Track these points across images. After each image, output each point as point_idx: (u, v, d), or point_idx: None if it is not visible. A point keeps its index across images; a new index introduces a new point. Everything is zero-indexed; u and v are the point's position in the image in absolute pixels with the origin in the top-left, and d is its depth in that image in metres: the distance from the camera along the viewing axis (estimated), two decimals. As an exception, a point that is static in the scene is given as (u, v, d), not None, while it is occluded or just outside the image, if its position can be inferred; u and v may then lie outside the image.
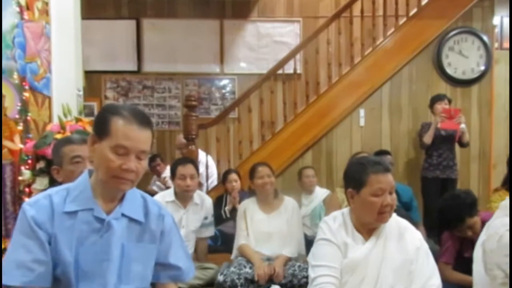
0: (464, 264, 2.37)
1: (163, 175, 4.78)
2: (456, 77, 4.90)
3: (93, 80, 5.54)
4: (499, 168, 4.71)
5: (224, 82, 5.78)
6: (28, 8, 3.02)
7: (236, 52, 5.72)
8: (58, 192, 1.36)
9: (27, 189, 2.81)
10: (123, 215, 1.39)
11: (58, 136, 2.81)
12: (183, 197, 3.10)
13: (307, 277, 1.88)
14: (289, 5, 5.70)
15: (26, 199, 2.49)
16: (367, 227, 1.81)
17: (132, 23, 5.68)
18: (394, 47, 4.83)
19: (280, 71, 4.85)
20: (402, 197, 3.57)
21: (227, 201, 4.05)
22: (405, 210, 3.59)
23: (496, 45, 5.29)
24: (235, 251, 3.12)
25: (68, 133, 2.88)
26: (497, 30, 5.42)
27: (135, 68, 5.72)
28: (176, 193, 3.12)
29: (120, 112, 1.32)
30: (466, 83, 4.92)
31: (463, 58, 4.91)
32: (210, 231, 3.28)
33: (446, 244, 2.64)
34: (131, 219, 1.41)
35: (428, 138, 4.23)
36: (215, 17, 5.69)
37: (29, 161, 2.85)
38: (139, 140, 1.32)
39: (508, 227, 1.68)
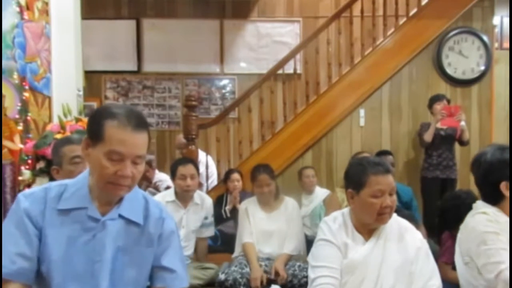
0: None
1: (154, 180, 4.75)
2: (456, 77, 4.89)
3: (93, 80, 5.54)
4: (499, 168, 4.68)
5: (224, 82, 5.78)
6: (28, 8, 3.02)
7: (236, 52, 5.72)
8: (56, 186, 1.34)
9: (27, 189, 2.80)
10: (120, 216, 1.34)
11: (58, 136, 2.81)
12: (183, 197, 3.10)
13: (307, 277, 1.87)
14: (289, 5, 5.70)
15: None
16: (367, 227, 1.80)
17: (132, 23, 5.68)
18: (394, 47, 4.83)
19: (280, 71, 4.85)
20: (402, 197, 3.57)
21: (228, 201, 4.06)
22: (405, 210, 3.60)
23: (496, 45, 5.30)
24: (238, 248, 3.14)
25: (68, 133, 2.88)
26: (497, 30, 5.43)
27: (135, 68, 5.72)
28: (176, 193, 3.12)
29: (114, 115, 1.25)
30: (466, 83, 4.91)
31: (463, 58, 4.90)
32: (210, 231, 3.29)
33: (446, 244, 2.64)
34: (129, 221, 1.35)
35: (428, 136, 4.22)
36: (215, 17, 5.68)
37: (29, 161, 2.86)
38: (134, 145, 1.26)
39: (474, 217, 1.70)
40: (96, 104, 5.53)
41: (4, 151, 2.72)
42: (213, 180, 4.75)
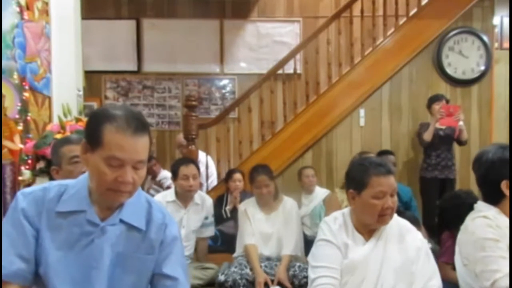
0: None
1: (158, 177, 4.76)
2: (456, 77, 4.89)
3: (93, 80, 5.54)
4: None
5: (224, 82, 5.77)
6: (28, 8, 3.01)
7: (236, 52, 5.72)
8: (56, 186, 1.30)
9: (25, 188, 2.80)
10: (121, 221, 1.30)
11: (58, 136, 2.81)
12: (184, 197, 3.11)
13: (307, 277, 1.88)
14: (289, 5, 5.69)
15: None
16: (368, 228, 1.80)
17: (132, 23, 5.67)
18: (394, 47, 4.82)
19: (280, 71, 4.84)
20: (402, 197, 3.58)
21: (228, 201, 4.05)
22: (404, 210, 3.60)
23: (496, 45, 5.29)
24: (239, 250, 3.13)
25: (68, 133, 2.88)
26: (497, 30, 5.42)
27: (135, 68, 5.71)
28: (177, 193, 3.12)
29: (112, 119, 1.19)
30: (466, 83, 4.91)
31: (463, 58, 4.90)
32: (211, 231, 3.29)
33: (446, 244, 2.64)
34: (130, 226, 1.31)
35: (428, 135, 4.22)
36: (215, 17, 5.68)
37: (29, 161, 2.85)
38: (135, 150, 1.20)
39: (474, 220, 1.69)
40: (96, 104, 5.53)
41: (4, 151, 2.72)
42: (213, 180, 4.75)
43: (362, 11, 4.87)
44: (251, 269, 2.89)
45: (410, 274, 1.73)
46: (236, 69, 5.74)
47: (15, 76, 2.84)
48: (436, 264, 1.82)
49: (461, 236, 1.75)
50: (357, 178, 1.79)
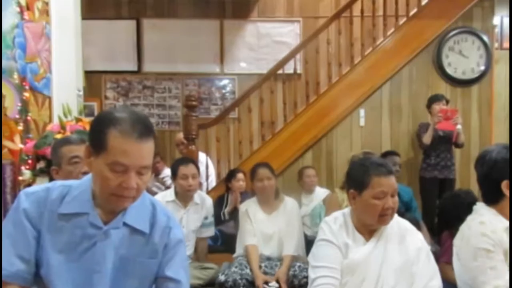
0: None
1: (162, 175, 4.77)
2: (456, 77, 4.88)
3: (93, 80, 5.53)
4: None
5: (224, 82, 5.77)
6: (28, 8, 3.02)
7: (236, 52, 5.72)
8: (59, 187, 1.28)
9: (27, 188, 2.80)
10: (125, 224, 1.28)
11: (58, 136, 2.80)
12: (183, 197, 3.10)
13: (307, 277, 1.88)
14: (289, 5, 5.69)
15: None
16: (368, 228, 1.80)
17: (132, 23, 5.67)
18: (394, 47, 4.83)
19: (280, 71, 4.84)
20: (402, 197, 3.56)
21: (228, 201, 4.05)
22: (405, 210, 3.60)
23: (496, 45, 5.29)
24: (239, 250, 3.13)
25: (68, 133, 2.87)
26: (497, 30, 5.42)
27: (135, 68, 5.71)
28: (176, 193, 3.12)
29: (117, 123, 1.16)
30: (466, 83, 4.90)
31: (463, 58, 4.89)
32: (210, 231, 3.29)
33: (446, 244, 2.64)
34: (134, 229, 1.29)
35: (427, 138, 4.23)
36: (215, 17, 5.68)
37: (29, 161, 2.85)
38: (139, 156, 1.18)
39: (472, 227, 1.68)
40: (96, 104, 5.54)
41: (4, 151, 2.72)
42: (212, 180, 4.75)
43: (362, 11, 4.87)
44: (251, 269, 2.89)
45: (411, 274, 1.73)
46: (236, 69, 5.74)
47: (15, 76, 2.84)
48: (437, 264, 1.82)
49: (457, 242, 1.75)
50: (357, 178, 1.79)
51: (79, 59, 3.83)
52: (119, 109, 1.24)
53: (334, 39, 4.96)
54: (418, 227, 2.04)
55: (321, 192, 4.09)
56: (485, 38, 4.89)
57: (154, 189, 4.73)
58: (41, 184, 1.37)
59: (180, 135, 4.66)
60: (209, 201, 3.27)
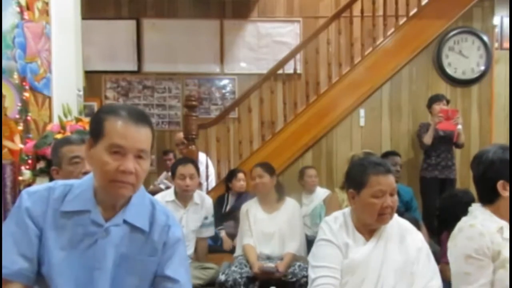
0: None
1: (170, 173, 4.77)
2: (456, 77, 4.87)
3: (93, 80, 5.53)
4: (499, 168, 4.68)
5: (224, 82, 5.77)
6: (28, 8, 3.01)
7: (236, 52, 5.72)
8: (61, 186, 1.29)
9: (32, 186, 2.79)
10: (125, 222, 1.29)
11: (58, 136, 2.81)
12: (183, 196, 3.11)
13: (307, 277, 1.88)
14: (289, 5, 5.69)
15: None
16: (368, 227, 1.80)
17: (132, 23, 5.67)
18: (394, 47, 4.82)
19: (280, 71, 4.83)
20: (402, 197, 3.57)
21: (229, 201, 4.05)
22: (405, 210, 3.60)
23: (496, 45, 5.28)
24: (239, 250, 3.15)
25: (68, 133, 2.88)
26: (497, 30, 5.42)
27: (135, 68, 5.71)
28: (176, 193, 3.12)
29: (115, 111, 1.22)
30: (466, 83, 4.89)
31: (463, 58, 4.88)
32: (210, 231, 3.29)
33: (446, 244, 2.62)
34: (134, 227, 1.30)
35: (428, 139, 4.23)
36: (215, 17, 5.68)
37: (29, 161, 2.85)
38: (136, 139, 1.21)
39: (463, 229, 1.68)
40: (96, 104, 5.53)
41: (4, 151, 2.71)
42: (211, 180, 4.74)
43: (362, 11, 4.86)
44: (251, 268, 2.91)
45: (411, 274, 1.73)
46: (236, 69, 5.74)
47: (15, 76, 2.84)
48: (438, 265, 1.82)
49: (449, 243, 1.75)
50: (356, 177, 1.80)
51: (79, 59, 3.82)
52: (117, 104, 1.28)
53: (334, 39, 4.96)
54: (418, 227, 2.04)
55: (321, 192, 4.10)
56: (485, 38, 4.88)
57: (162, 186, 4.72)
58: (43, 184, 1.37)
59: (180, 135, 4.66)
60: (209, 201, 3.27)
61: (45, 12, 3.31)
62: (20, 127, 2.88)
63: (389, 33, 4.86)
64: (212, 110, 5.71)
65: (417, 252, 1.76)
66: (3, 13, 2.68)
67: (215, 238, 3.74)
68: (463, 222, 1.72)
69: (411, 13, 4.85)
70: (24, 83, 2.93)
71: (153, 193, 2.80)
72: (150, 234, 1.32)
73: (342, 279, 1.74)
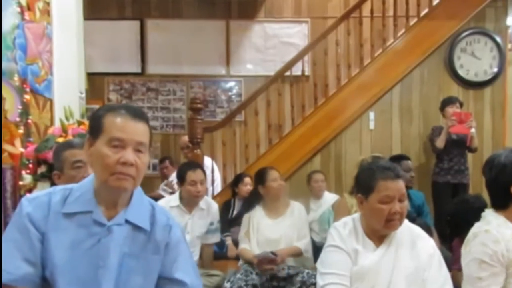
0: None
1: (170, 178, 4.73)
2: (468, 79, 4.88)
3: (95, 82, 5.50)
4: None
5: (230, 84, 5.74)
6: (29, 9, 2.99)
7: (243, 54, 5.70)
8: (61, 190, 1.32)
9: (28, 194, 2.76)
10: (127, 221, 1.32)
11: (60, 139, 2.79)
12: (189, 202, 3.09)
13: (315, 284, 1.88)
14: (297, 5, 5.67)
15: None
16: (378, 233, 1.78)
17: (135, 24, 5.66)
18: (404, 48, 4.82)
19: (287, 73, 4.84)
20: (414, 202, 3.55)
21: (235, 206, 4.04)
22: (416, 215, 3.55)
23: (509, 46, 5.26)
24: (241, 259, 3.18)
25: (70, 137, 2.87)
26: (510, 31, 5.37)
27: (139, 70, 5.69)
28: (181, 198, 3.10)
29: (113, 108, 1.29)
30: (478, 85, 4.90)
31: (475, 60, 4.89)
32: (216, 237, 3.29)
33: (457, 250, 2.61)
34: (135, 226, 1.33)
35: (440, 143, 4.22)
36: (221, 18, 5.66)
37: (30, 166, 2.83)
38: (134, 132, 1.27)
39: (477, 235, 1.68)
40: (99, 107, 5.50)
41: (5, 155, 2.68)
42: (217, 185, 4.73)
43: (372, 12, 4.87)
44: (256, 274, 2.89)
45: (422, 281, 1.71)
46: (243, 71, 5.71)
47: (16, 78, 2.81)
48: (449, 271, 1.81)
49: (462, 249, 1.75)
50: (364, 182, 1.80)
51: (81, 60, 3.82)
52: (115, 103, 1.27)
53: (343, 40, 4.98)
54: (429, 233, 2.05)
55: (329, 197, 4.09)
56: (498, 39, 4.91)
57: (162, 192, 4.69)
58: (41, 190, 1.40)
59: (185, 139, 4.63)
60: (215, 207, 3.25)
61: (46, 12, 3.29)
62: (21, 131, 2.85)
63: (399, 34, 4.88)
64: (217, 113, 5.68)
65: (429, 258, 1.74)
66: (3, 14, 2.66)
67: (221, 245, 3.73)
68: (477, 227, 1.72)
69: (422, 13, 4.86)
70: (24, 85, 2.90)
71: (154, 199, 2.76)
72: (152, 233, 1.36)
73: (351, 286, 1.73)
